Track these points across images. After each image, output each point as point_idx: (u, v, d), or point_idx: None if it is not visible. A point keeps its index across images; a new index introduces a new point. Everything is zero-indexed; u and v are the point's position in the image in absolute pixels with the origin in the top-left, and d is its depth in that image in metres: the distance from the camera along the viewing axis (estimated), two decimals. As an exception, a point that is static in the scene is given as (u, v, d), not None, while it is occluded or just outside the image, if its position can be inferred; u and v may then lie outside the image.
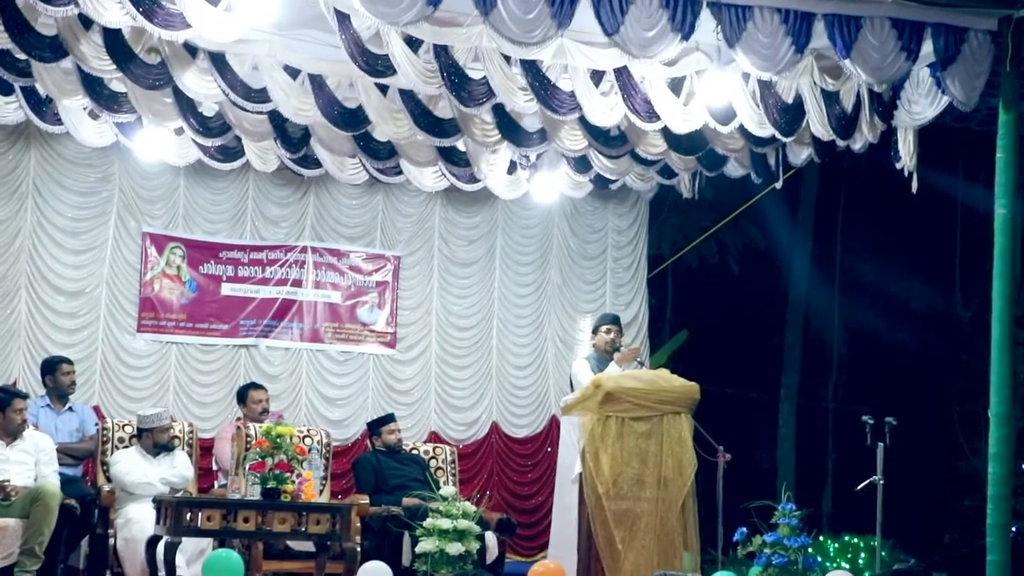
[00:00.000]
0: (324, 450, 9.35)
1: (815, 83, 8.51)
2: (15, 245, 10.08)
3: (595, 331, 9.46)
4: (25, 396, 8.48)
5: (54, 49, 7.91)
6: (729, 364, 13.90)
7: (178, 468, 8.69)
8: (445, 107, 8.95)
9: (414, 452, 9.87)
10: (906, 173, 8.85)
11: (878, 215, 14.18)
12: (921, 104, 8.40)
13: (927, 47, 7.98)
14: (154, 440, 8.69)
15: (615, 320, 9.59)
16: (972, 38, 7.97)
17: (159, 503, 7.78)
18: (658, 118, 8.64)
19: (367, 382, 11.13)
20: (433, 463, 9.83)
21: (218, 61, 8.19)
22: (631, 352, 9.37)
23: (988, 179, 8.16)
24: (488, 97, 8.37)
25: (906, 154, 8.82)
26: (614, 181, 10.97)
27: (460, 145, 9.79)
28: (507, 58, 8.21)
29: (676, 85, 8.77)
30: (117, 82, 8.48)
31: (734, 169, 10.28)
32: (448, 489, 8.23)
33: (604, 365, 9.22)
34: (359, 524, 8.64)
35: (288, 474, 7.63)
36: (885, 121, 8.68)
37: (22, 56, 8.12)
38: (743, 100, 8.63)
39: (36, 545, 7.79)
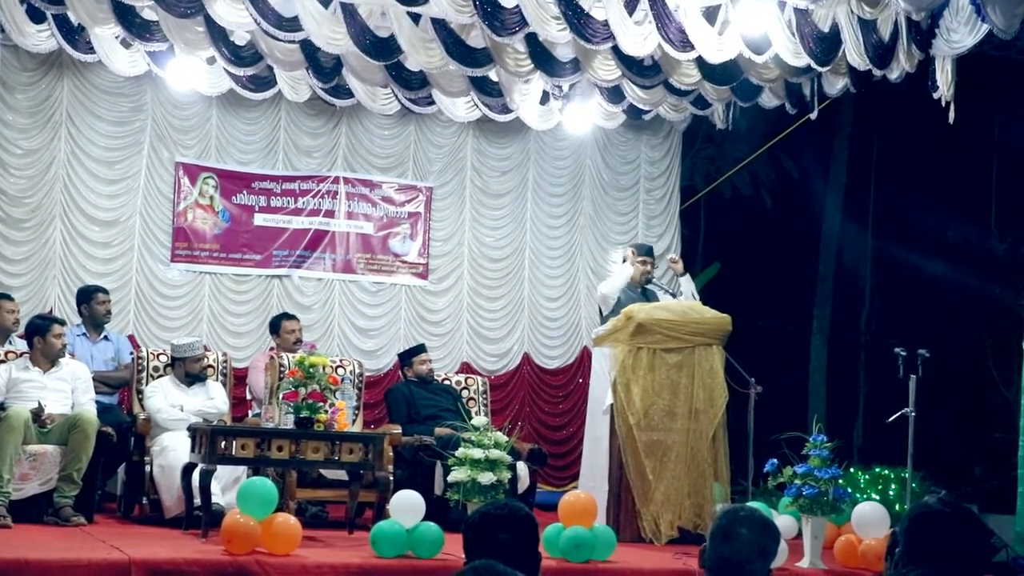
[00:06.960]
0: (357, 380, 9.40)
1: (852, 11, 8.41)
2: (49, 174, 10.11)
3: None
4: (63, 323, 8.56)
5: (85, -24, 7.91)
6: (761, 296, 13.84)
7: (214, 400, 8.75)
8: (478, 36, 8.88)
9: (446, 383, 9.91)
10: (943, 103, 8.74)
11: (913, 146, 14.01)
12: (960, 32, 8.27)
13: (967, -27, 7.87)
14: (187, 370, 8.75)
15: (649, 251, 9.56)
16: (1014, -36, 7.85)
17: (194, 432, 7.85)
18: (692, 47, 8.56)
19: (399, 313, 11.16)
20: (465, 393, 9.87)
21: (249, -11, 8.15)
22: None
23: (1026, 109, 8.06)
24: (521, 26, 8.30)
25: (943, 84, 8.70)
26: (647, 112, 10.91)
27: (492, 75, 9.73)
28: (540, -14, 8.15)
29: (711, 14, 8.68)
30: (149, 10, 8.46)
31: (768, 100, 10.21)
32: (480, 419, 8.26)
33: (632, 294, 9.18)
34: (391, 453, 8.71)
35: (321, 404, 7.69)
36: (923, 50, 8.57)
37: (54, -16, 8.12)
38: (779, 29, 8.54)
39: (74, 472, 7.89)
